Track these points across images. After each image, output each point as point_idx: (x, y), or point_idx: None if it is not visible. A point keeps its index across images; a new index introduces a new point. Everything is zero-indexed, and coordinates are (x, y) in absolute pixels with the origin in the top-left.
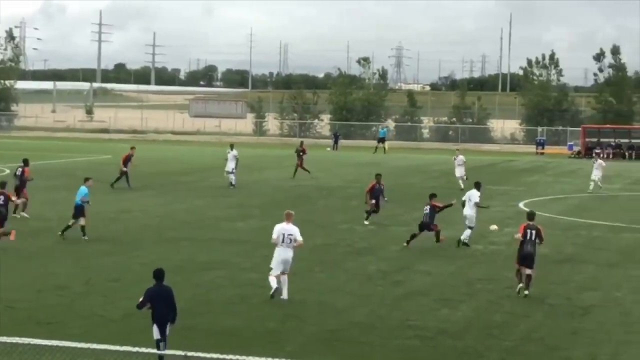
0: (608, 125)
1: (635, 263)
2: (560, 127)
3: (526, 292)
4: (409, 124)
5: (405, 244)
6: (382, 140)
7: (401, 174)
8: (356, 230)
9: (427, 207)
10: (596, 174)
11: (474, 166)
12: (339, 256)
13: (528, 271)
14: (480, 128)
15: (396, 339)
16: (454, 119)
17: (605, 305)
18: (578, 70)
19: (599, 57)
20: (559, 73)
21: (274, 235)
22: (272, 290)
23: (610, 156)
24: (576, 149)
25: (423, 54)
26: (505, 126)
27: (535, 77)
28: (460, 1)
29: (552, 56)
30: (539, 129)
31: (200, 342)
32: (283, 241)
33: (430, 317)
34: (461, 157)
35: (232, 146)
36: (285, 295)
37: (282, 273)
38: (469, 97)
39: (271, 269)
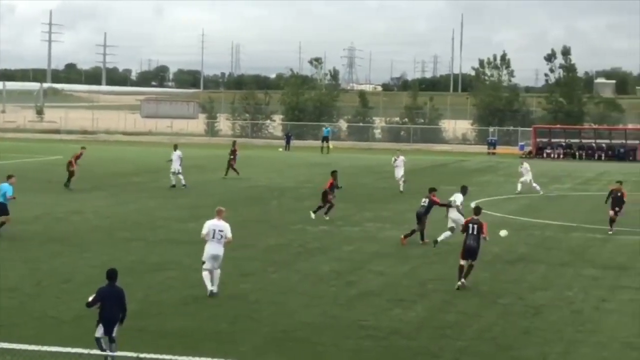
0: (559, 126)
1: (586, 262)
2: (512, 127)
3: (463, 280)
4: (361, 124)
5: (402, 238)
6: (326, 139)
7: (353, 174)
8: (309, 231)
9: (426, 200)
10: (527, 177)
11: (426, 166)
12: (291, 257)
13: (466, 262)
14: (432, 128)
15: (349, 339)
16: (406, 120)
17: (556, 305)
18: (529, 71)
19: (550, 57)
20: (510, 74)
21: (204, 231)
22: (208, 293)
23: (561, 156)
24: (527, 149)
25: (375, 55)
26: (457, 126)
27: (486, 78)
28: (412, 2)
29: (503, 57)
30: (491, 129)
31: (152, 343)
32: (213, 237)
33: (383, 317)
34: (402, 158)
35: (175, 147)
36: (215, 289)
37: (215, 268)
38: (420, 98)
39: (204, 262)
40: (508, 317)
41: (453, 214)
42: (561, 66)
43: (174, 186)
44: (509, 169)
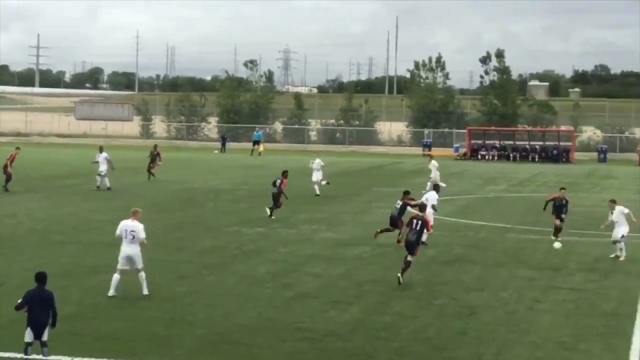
0: (493, 128)
1: (520, 263)
2: (447, 129)
3: (399, 274)
4: (297, 126)
5: (375, 234)
6: (257, 142)
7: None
8: (244, 233)
9: (399, 202)
10: (434, 175)
11: (362, 168)
12: (227, 259)
13: (409, 257)
14: (368, 130)
15: (285, 342)
16: (342, 121)
17: (491, 305)
18: (464, 73)
19: (484, 60)
20: (445, 76)
21: (117, 231)
22: (109, 293)
23: (495, 158)
24: (462, 150)
25: (310, 57)
26: (392, 128)
27: (421, 80)
28: (346, 4)
29: (438, 59)
30: (426, 131)
31: (88, 346)
32: (126, 237)
33: (319, 319)
34: (318, 161)
35: (101, 149)
36: (145, 290)
37: (137, 271)
38: (356, 100)
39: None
40: (443, 318)
41: (427, 211)
42: (495, 68)
43: (98, 188)
44: (444, 170)
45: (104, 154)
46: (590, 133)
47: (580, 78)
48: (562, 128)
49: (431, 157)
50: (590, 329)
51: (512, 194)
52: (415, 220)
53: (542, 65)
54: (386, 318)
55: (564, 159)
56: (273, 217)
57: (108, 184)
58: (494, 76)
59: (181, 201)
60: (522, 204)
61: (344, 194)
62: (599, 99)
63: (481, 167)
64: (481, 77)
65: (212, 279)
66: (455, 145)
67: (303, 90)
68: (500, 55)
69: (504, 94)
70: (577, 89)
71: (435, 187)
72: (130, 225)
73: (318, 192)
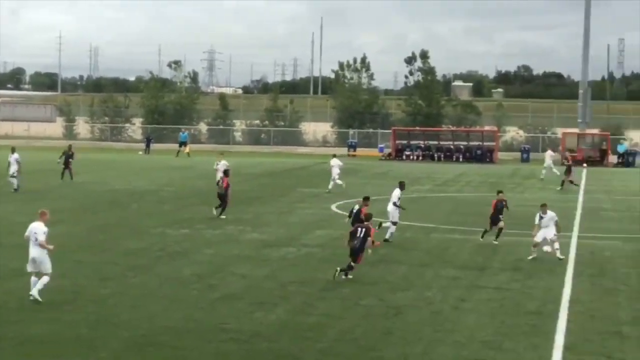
0: (417, 128)
1: (445, 263)
2: (371, 130)
3: (338, 268)
4: (221, 127)
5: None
6: (183, 143)
7: (213, 177)
8: (169, 234)
9: (356, 206)
10: (335, 172)
11: (287, 169)
12: (152, 260)
13: (352, 264)
14: (293, 131)
15: (210, 343)
16: (267, 122)
17: (416, 305)
18: (388, 73)
19: (409, 60)
20: (370, 76)
21: (26, 233)
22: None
23: (420, 158)
24: (387, 151)
25: (235, 57)
26: (317, 129)
27: (346, 81)
28: (271, 5)
29: (363, 60)
30: (351, 131)
31: (11, 350)
32: (32, 239)
33: (245, 320)
34: (224, 163)
35: (13, 149)
36: (35, 293)
37: (42, 274)
38: (281, 100)
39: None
40: (369, 318)
41: (390, 207)
42: (420, 69)
43: (15, 189)
44: (369, 170)
45: (15, 155)
46: (513, 133)
47: (503, 79)
48: (486, 128)
49: (334, 155)
50: (515, 327)
51: (437, 194)
52: (360, 229)
53: (466, 66)
54: (312, 319)
55: (487, 159)
56: (223, 217)
57: (15, 186)
58: (418, 77)
59: (105, 203)
60: (446, 204)
61: (268, 194)
62: (522, 100)
63: (406, 168)
64: (406, 77)
65: (137, 281)
66: (380, 145)
67: (228, 91)
68: (424, 56)
69: (429, 94)
70: (500, 90)
71: (401, 185)
72: (34, 228)
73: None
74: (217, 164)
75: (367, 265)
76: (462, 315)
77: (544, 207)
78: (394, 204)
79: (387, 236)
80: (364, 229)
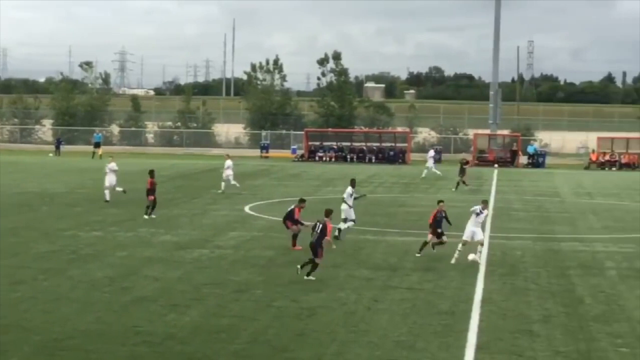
0: (330, 129)
1: (358, 263)
2: (284, 131)
3: (299, 266)
4: (134, 128)
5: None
6: (98, 145)
7: (125, 179)
8: (81, 237)
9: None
10: (227, 173)
11: (200, 171)
12: (63, 263)
13: (315, 259)
14: (205, 132)
15: (123, 346)
16: (179, 124)
17: (329, 306)
18: (301, 75)
19: (322, 62)
20: (283, 78)
21: None
22: None
23: (333, 159)
24: (300, 152)
25: (147, 59)
26: (230, 130)
27: (259, 82)
28: (183, 6)
29: (276, 61)
30: (263, 132)
31: None
32: None
33: (158, 322)
34: (113, 164)
35: None
36: None
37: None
38: (193, 102)
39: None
40: (282, 319)
41: (343, 205)
42: (332, 70)
43: None
44: (282, 172)
45: None
46: (425, 134)
47: (415, 80)
48: (398, 129)
49: (228, 156)
50: (427, 327)
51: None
52: (318, 224)
53: (378, 67)
54: (225, 321)
55: (400, 160)
56: (154, 217)
57: None
58: (331, 78)
59: (15, 205)
60: (359, 205)
61: (181, 196)
62: (434, 101)
63: (319, 169)
64: (318, 79)
65: (48, 284)
66: (293, 147)
67: (140, 92)
68: (337, 57)
69: (341, 95)
70: (412, 91)
71: (352, 182)
72: None
73: (108, 198)
74: (108, 165)
75: (280, 266)
76: (375, 316)
77: (485, 203)
78: (342, 199)
79: (342, 227)
80: (321, 225)
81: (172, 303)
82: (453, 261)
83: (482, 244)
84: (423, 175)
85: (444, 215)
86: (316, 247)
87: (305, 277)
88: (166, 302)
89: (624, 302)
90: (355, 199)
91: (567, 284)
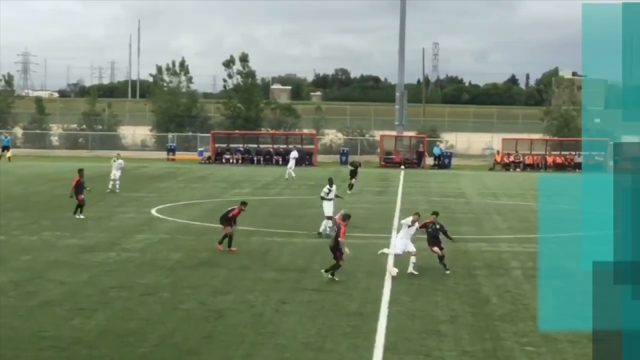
0: (237, 131)
1: (265, 266)
2: (191, 133)
3: (324, 271)
4: (38, 131)
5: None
6: (6, 148)
7: (30, 182)
8: None
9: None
10: (115, 174)
11: (106, 174)
12: None
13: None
14: (111, 135)
15: (28, 351)
16: (84, 126)
17: (237, 308)
18: (207, 77)
19: (228, 64)
20: (189, 80)
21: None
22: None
23: (240, 161)
24: (206, 154)
25: (50, 60)
26: (136, 132)
27: (165, 84)
28: (87, 7)
29: (182, 63)
30: (170, 135)
31: None
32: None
33: (64, 327)
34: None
35: None
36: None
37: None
38: (99, 104)
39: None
40: (190, 322)
41: (323, 203)
42: (239, 72)
43: None
44: (189, 174)
45: None
46: (332, 136)
47: (321, 82)
48: (305, 131)
49: (118, 155)
50: (336, 328)
51: (257, 197)
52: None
53: (284, 69)
54: (133, 324)
55: (307, 162)
56: (82, 217)
57: None
58: (237, 80)
59: None
60: (266, 206)
61: (87, 199)
62: (340, 103)
63: (226, 171)
64: (224, 80)
65: None
66: (200, 149)
67: (44, 94)
68: (244, 59)
69: (248, 97)
70: (318, 93)
71: (330, 181)
72: None
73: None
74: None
75: (188, 269)
76: (283, 318)
77: (417, 216)
78: (321, 196)
79: (321, 229)
80: (337, 227)
81: (79, 307)
82: (394, 274)
83: (414, 255)
84: (286, 177)
85: (436, 228)
86: (334, 251)
87: (329, 277)
88: (72, 306)
89: (529, 302)
90: (336, 196)
91: (474, 284)
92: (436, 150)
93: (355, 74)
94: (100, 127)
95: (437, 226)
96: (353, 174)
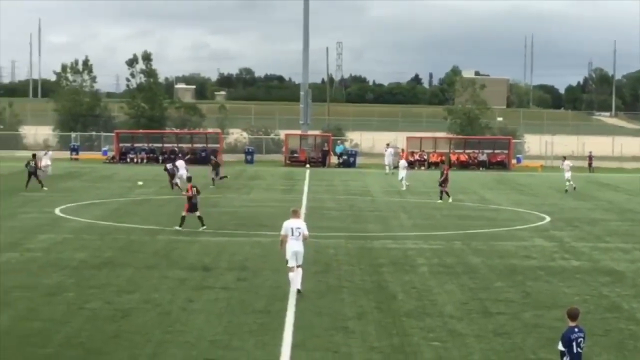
0: (141, 130)
1: (172, 264)
2: (94, 133)
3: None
4: None
5: None
6: None
7: None
8: None
9: None
10: (48, 169)
11: (7, 174)
12: None
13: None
14: (13, 135)
15: None
16: None
17: (144, 307)
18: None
19: (131, 63)
20: (93, 79)
21: (282, 231)
22: (294, 288)
23: (145, 160)
24: (111, 154)
25: None
26: (38, 132)
27: (68, 83)
28: None
29: (85, 62)
30: (73, 134)
31: None
32: (292, 234)
33: None
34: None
35: None
36: (299, 285)
37: (297, 266)
38: None
39: (287, 260)
40: (96, 321)
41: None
42: (142, 71)
43: None
44: (93, 174)
45: None
46: (237, 135)
47: (225, 81)
48: (210, 130)
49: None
50: (243, 326)
51: (161, 196)
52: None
53: (189, 69)
54: (36, 324)
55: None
56: None
57: None
58: (141, 79)
59: None
60: (171, 205)
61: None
62: (245, 102)
63: (130, 170)
64: (127, 80)
65: None
66: (104, 148)
67: None
68: (147, 58)
69: (152, 96)
70: (223, 92)
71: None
72: (296, 223)
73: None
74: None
75: (92, 268)
76: (190, 316)
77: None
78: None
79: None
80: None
81: None
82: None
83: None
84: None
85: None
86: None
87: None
88: None
89: (435, 297)
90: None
91: (380, 281)
92: (339, 149)
93: (259, 73)
94: (2, 126)
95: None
96: (215, 168)
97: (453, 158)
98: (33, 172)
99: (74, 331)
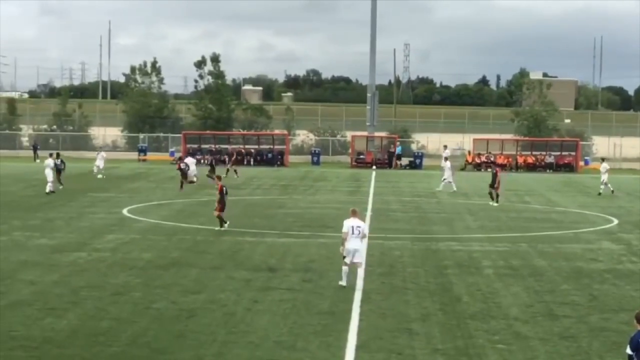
0: (208, 132)
1: (237, 265)
2: (162, 134)
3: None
4: (8, 132)
5: None
6: None
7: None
8: None
9: None
10: (47, 172)
11: (77, 174)
12: None
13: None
14: (82, 135)
15: None
16: (55, 127)
17: (209, 308)
18: (178, 78)
19: (199, 64)
20: (160, 81)
21: (344, 229)
22: (343, 283)
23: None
24: (178, 155)
25: (20, 61)
26: (107, 133)
27: (137, 85)
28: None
29: (154, 64)
30: (141, 135)
31: None
32: (353, 233)
33: (35, 327)
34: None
35: None
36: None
37: (355, 263)
38: (70, 105)
39: (344, 257)
40: (162, 321)
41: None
42: (210, 73)
43: None
44: (160, 175)
45: None
46: (303, 136)
47: (292, 83)
48: (276, 132)
49: (50, 154)
50: (307, 327)
51: (229, 197)
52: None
53: (255, 70)
54: (104, 323)
55: (278, 162)
56: None
57: None
58: (208, 81)
59: None
60: (238, 206)
61: (57, 199)
62: (311, 103)
63: (198, 171)
64: (195, 81)
65: None
66: (171, 150)
67: (14, 95)
68: (215, 59)
69: (219, 98)
70: (290, 94)
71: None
72: (356, 222)
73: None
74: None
75: (159, 268)
76: (255, 317)
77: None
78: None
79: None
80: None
81: (49, 307)
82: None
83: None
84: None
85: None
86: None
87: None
88: (43, 305)
89: (500, 300)
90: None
91: (445, 283)
92: (397, 150)
93: (326, 75)
94: (72, 127)
95: None
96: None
97: (520, 160)
98: (59, 169)
99: (140, 330)
